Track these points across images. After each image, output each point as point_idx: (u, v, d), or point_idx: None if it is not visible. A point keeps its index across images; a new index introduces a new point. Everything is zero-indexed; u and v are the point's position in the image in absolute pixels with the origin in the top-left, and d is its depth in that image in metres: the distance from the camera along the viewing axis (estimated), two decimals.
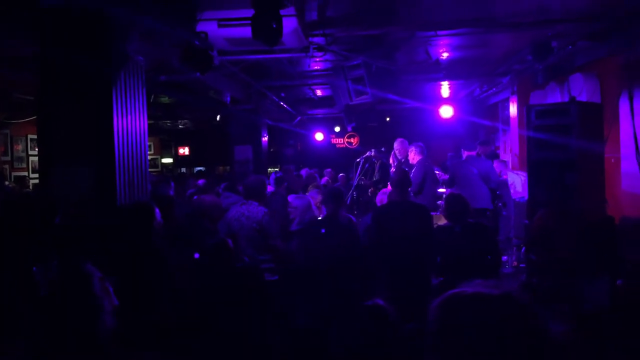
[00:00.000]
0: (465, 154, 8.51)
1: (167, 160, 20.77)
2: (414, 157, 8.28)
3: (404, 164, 8.39)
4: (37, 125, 4.69)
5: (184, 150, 20.75)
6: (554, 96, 8.67)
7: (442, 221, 5.64)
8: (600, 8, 6.00)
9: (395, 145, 8.84)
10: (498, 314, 1.23)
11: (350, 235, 5.00)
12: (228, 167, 14.34)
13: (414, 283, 4.78)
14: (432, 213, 6.04)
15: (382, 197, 6.61)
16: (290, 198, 5.97)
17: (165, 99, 11.90)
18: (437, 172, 8.85)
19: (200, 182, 8.90)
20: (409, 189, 7.66)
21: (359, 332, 2.69)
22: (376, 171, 10.01)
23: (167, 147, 20.70)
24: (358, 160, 9.21)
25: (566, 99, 7.58)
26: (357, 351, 2.69)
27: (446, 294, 1.34)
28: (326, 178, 11.69)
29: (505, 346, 1.20)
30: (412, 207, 5.37)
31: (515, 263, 8.13)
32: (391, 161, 9.01)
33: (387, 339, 2.77)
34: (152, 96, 9.68)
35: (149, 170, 5.51)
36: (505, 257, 7.98)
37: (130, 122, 4.67)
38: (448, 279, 4.62)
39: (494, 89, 11.43)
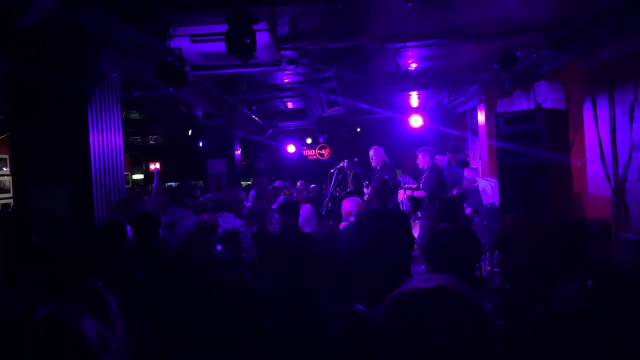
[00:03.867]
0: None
1: (138, 176, 20.58)
2: (425, 162, 8.24)
3: (378, 171, 8.45)
4: (10, 145, 4.64)
5: (155, 166, 20.56)
6: (520, 104, 8.89)
7: None
8: (561, 17, 6.22)
9: (370, 152, 8.85)
10: (435, 305, 1.31)
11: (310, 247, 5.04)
12: (201, 182, 14.29)
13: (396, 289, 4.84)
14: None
15: (349, 204, 6.65)
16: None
17: (135, 115, 11.84)
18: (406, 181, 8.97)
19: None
20: (426, 194, 7.77)
21: (341, 338, 2.76)
22: (349, 182, 10.10)
23: (138, 163, 20.52)
24: (332, 171, 9.29)
25: (532, 106, 7.80)
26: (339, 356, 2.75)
27: (389, 295, 1.41)
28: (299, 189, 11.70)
29: (446, 334, 1.27)
30: (392, 215, 5.46)
31: (488, 268, 8.27)
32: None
33: (368, 343, 2.84)
34: (124, 112, 9.62)
35: None
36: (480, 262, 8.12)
37: (106, 139, 4.68)
38: None
39: (462, 98, 11.63)
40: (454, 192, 8.42)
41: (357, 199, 6.43)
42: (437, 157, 8.81)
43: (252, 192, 7.71)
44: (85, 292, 2.51)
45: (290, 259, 4.74)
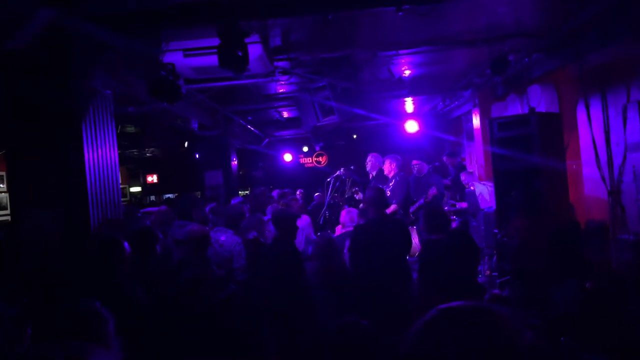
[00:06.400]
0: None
1: (136, 189, 20.59)
2: (391, 169, 8.31)
3: (375, 178, 8.46)
4: (6, 164, 4.65)
5: (152, 178, 20.60)
6: (514, 107, 8.92)
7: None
8: (549, 25, 6.25)
9: (368, 159, 8.82)
10: (472, 329, 1.30)
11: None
12: (199, 193, 14.29)
13: (396, 299, 4.86)
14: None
15: (347, 215, 6.69)
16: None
17: (130, 129, 11.86)
18: None
19: None
20: (397, 205, 7.81)
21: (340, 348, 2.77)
22: (347, 189, 10.11)
23: (135, 176, 20.55)
24: (329, 179, 9.31)
25: (526, 110, 7.83)
26: None
27: (423, 317, 1.40)
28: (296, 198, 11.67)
29: (479, 356, 1.27)
30: (391, 224, 5.46)
31: (488, 272, 8.28)
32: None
33: (367, 352, 2.85)
34: (119, 127, 9.64)
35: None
36: (479, 267, 8.11)
37: (101, 155, 4.69)
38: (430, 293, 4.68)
39: (456, 103, 11.64)
40: (421, 201, 8.45)
41: (354, 210, 6.46)
42: (414, 162, 9.01)
43: (237, 199, 7.58)
44: (82, 311, 2.52)
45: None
